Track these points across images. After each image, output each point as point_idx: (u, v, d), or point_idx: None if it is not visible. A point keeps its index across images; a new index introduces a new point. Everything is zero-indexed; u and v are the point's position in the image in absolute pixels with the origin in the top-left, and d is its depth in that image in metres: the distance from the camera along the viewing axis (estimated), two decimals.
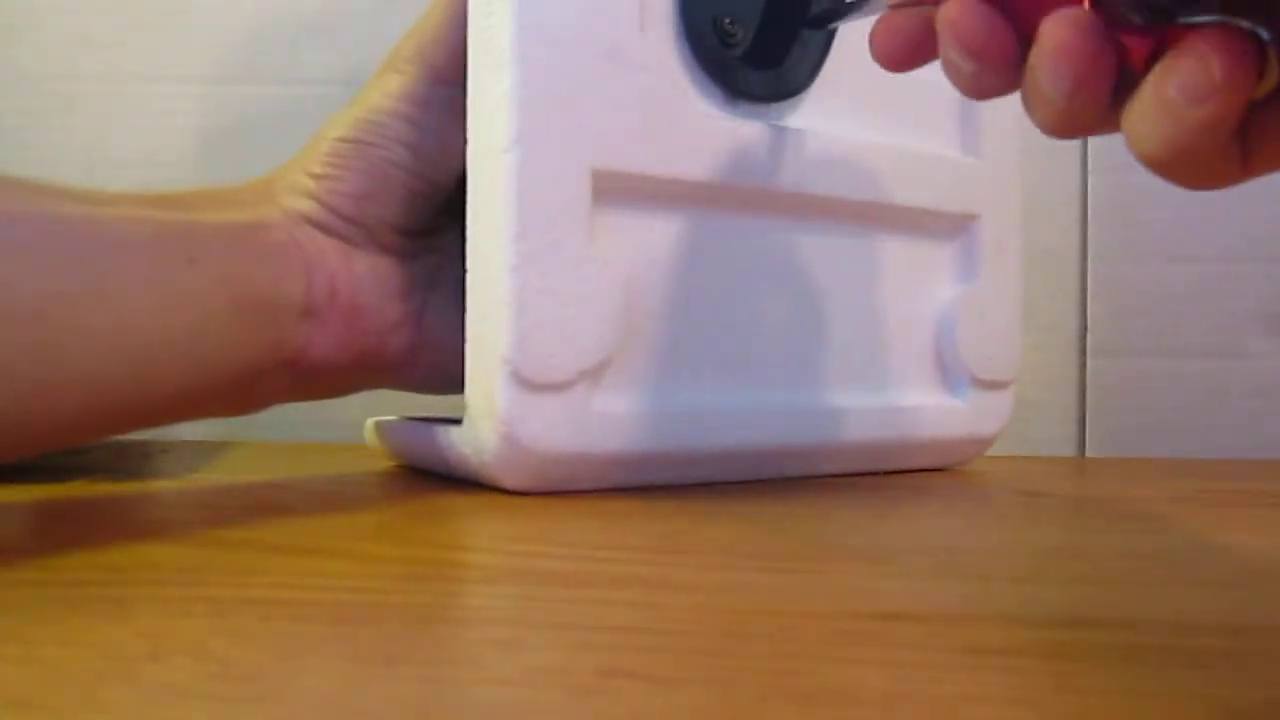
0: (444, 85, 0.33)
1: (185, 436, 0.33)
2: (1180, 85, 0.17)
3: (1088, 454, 0.54)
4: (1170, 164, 0.18)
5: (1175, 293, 0.54)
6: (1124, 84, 0.18)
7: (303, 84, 0.53)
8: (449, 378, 0.33)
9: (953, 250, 0.41)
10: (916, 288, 0.40)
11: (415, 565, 0.23)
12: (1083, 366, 0.54)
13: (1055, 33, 0.19)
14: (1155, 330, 0.54)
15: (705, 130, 0.34)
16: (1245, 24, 0.16)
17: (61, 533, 0.27)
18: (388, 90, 0.33)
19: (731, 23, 0.34)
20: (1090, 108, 0.19)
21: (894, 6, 0.23)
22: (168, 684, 0.15)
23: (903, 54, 0.23)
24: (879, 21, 0.24)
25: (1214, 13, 0.17)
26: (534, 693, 0.15)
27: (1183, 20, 0.17)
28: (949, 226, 0.40)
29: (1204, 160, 0.17)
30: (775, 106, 0.36)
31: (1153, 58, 0.18)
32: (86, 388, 0.26)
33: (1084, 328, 0.54)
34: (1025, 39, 0.20)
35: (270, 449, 0.46)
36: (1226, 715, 0.14)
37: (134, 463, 0.40)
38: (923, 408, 0.40)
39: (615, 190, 0.32)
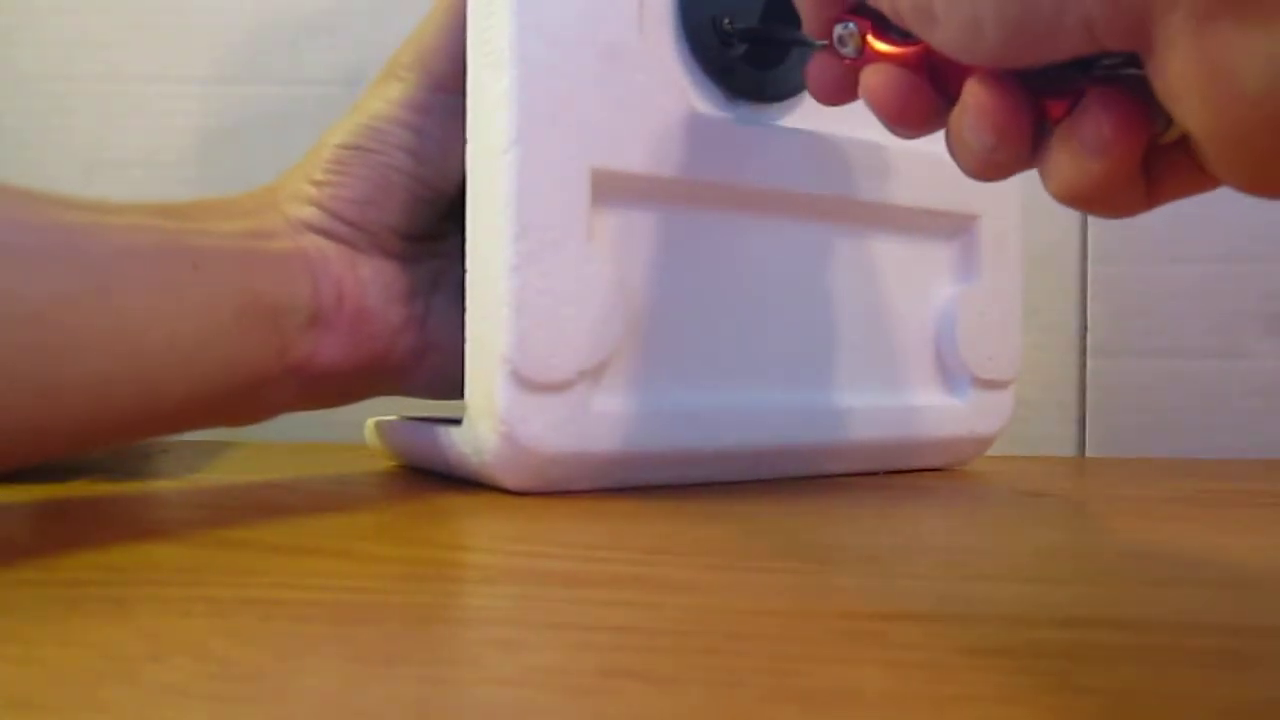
0: (444, 92, 0.33)
1: (185, 436, 0.33)
2: (1080, 141, 0.19)
3: (1088, 454, 0.54)
4: (1079, 201, 0.20)
5: (1175, 293, 0.54)
6: (1042, 133, 0.20)
7: (303, 84, 0.53)
8: (452, 382, 0.33)
9: (953, 250, 0.41)
10: (916, 287, 0.40)
11: (415, 565, 0.23)
12: (1083, 366, 0.54)
13: (978, 94, 0.20)
14: (1155, 330, 0.54)
15: (704, 130, 0.34)
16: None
17: (61, 533, 0.27)
18: (388, 97, 0.33)
19: (731, 23, 0.34)
20: (1010, 158, 0.21)
21: (825, 50, 0.25)
22: (168, 684, 0.15)
23: (832, 92, 0.25)
24: (813, 58, 0.25)
25: (1123, 65, 0.19)
26: (534, 693, 0.15)
27: (1098, 69, 0.19)
28: (949, 226, 0.40)
29: (1109, 196, 0.20)
30: (775, 106, 0.36)
31: (1067, 114, 0.20)
32: (89, 392, 0.26)
33: (1084, 328, 0.54)
34: (948, 96, 0.22)
35: (270, 449, 0.46)
36: (1226, 715, 0.14)
37: (134, 463, 0.40)
38: (923, 407, 0.40)
39: (615, 190, 0.32)
